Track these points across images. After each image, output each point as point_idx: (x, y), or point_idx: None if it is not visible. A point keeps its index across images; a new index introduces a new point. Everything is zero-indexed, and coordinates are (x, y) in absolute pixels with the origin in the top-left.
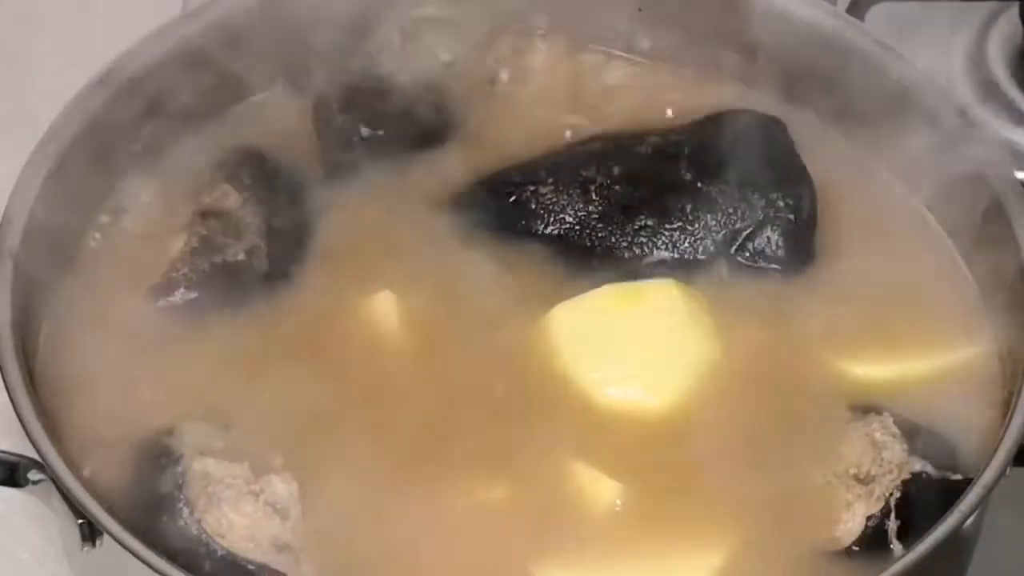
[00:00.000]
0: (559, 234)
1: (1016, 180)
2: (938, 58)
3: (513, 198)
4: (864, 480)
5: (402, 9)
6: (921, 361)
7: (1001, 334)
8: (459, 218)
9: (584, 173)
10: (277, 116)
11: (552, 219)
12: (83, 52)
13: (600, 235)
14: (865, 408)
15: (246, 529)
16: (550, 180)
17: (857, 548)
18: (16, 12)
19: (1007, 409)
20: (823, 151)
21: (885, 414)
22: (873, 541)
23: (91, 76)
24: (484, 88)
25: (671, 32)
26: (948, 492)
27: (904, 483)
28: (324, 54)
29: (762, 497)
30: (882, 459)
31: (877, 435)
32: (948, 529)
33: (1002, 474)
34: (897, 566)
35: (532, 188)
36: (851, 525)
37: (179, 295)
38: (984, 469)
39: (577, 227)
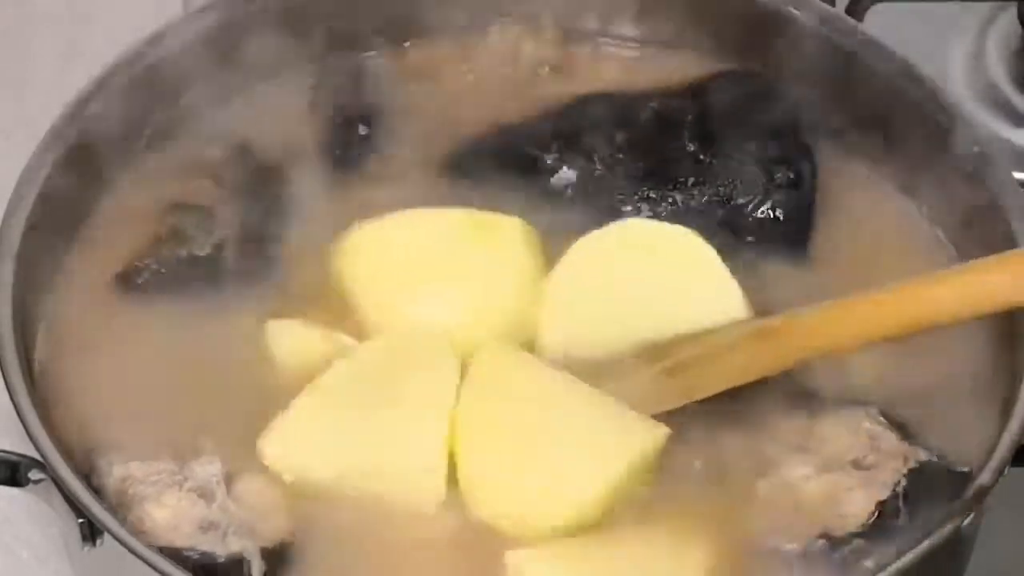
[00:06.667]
0: (561, 202)
1: (1014, 180)
2: (937, 59)
3: (519, 165)
4: (863, 467)
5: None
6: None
7: (999, 334)
8: (457, 189)
9: (588, 140)
10: (274, 113)
11: (554, 187)
12: (83, 52)
13: (602, 205)
14: (849, 400)
15: (168, 520)
16: (554, 146)
17: (864, 532)
18: (16, 12)
19: (1005, 408)
20: (822, 152)
21: (871, 407)
22: (881, 526)
23: (91, 76)
24: (475, 76)
25: (665, 24)
26: (954, 481)
27: (911, 471)
28: (321, 52)
29: (747, 487)
30: (879, 448)
31: (866, 424)
32: (947, 529)
33: (1001, 474)
34: (897, 565)
35: (536, 154)
36: (853, 508)
37: (141, 286)
38: (983, 469)
39: (580, 195)
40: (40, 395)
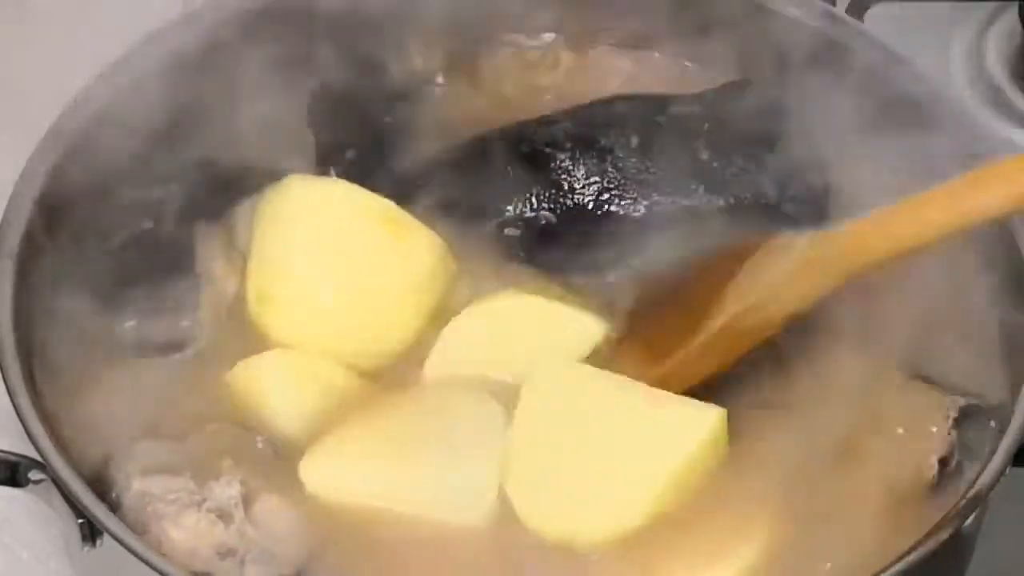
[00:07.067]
0: (572, 205)
1: None
2: (937, 58)
3: (532, 159)
4: (908, 428)
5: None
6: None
7: (1001, 334)
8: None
9: (602, 141)
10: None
11: (566, 188)
12: (83, 52)
13: (611, 209)
14: (870, 360)
15: (185, 542)
16: (568, 145)
17: (931, 490)
18: (16, 12)
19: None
20: (823, 151)
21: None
22: (944, 480)
23: (92, 76)
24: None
25: (665, 26)
26: (994, 417)
27: (956, 420)
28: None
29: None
30: (918, 405)
31: (898, 383)
32: (948, 529)
33: (1002, 474)
34: (898, 565)
35: (548, 150)
36: (915, 470)
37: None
38: (984, 469)
39: (590, 201)
40: (41, 396)
